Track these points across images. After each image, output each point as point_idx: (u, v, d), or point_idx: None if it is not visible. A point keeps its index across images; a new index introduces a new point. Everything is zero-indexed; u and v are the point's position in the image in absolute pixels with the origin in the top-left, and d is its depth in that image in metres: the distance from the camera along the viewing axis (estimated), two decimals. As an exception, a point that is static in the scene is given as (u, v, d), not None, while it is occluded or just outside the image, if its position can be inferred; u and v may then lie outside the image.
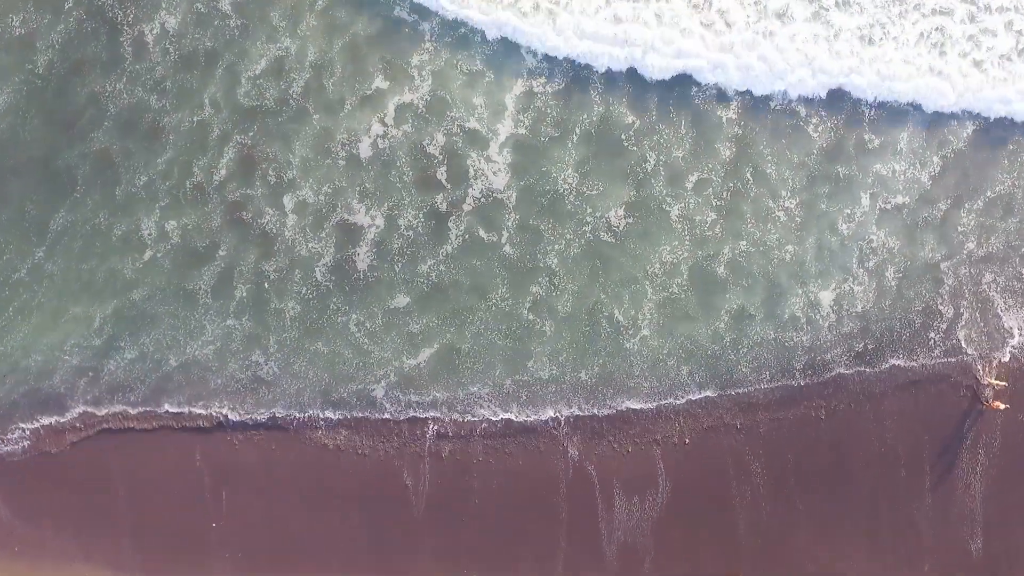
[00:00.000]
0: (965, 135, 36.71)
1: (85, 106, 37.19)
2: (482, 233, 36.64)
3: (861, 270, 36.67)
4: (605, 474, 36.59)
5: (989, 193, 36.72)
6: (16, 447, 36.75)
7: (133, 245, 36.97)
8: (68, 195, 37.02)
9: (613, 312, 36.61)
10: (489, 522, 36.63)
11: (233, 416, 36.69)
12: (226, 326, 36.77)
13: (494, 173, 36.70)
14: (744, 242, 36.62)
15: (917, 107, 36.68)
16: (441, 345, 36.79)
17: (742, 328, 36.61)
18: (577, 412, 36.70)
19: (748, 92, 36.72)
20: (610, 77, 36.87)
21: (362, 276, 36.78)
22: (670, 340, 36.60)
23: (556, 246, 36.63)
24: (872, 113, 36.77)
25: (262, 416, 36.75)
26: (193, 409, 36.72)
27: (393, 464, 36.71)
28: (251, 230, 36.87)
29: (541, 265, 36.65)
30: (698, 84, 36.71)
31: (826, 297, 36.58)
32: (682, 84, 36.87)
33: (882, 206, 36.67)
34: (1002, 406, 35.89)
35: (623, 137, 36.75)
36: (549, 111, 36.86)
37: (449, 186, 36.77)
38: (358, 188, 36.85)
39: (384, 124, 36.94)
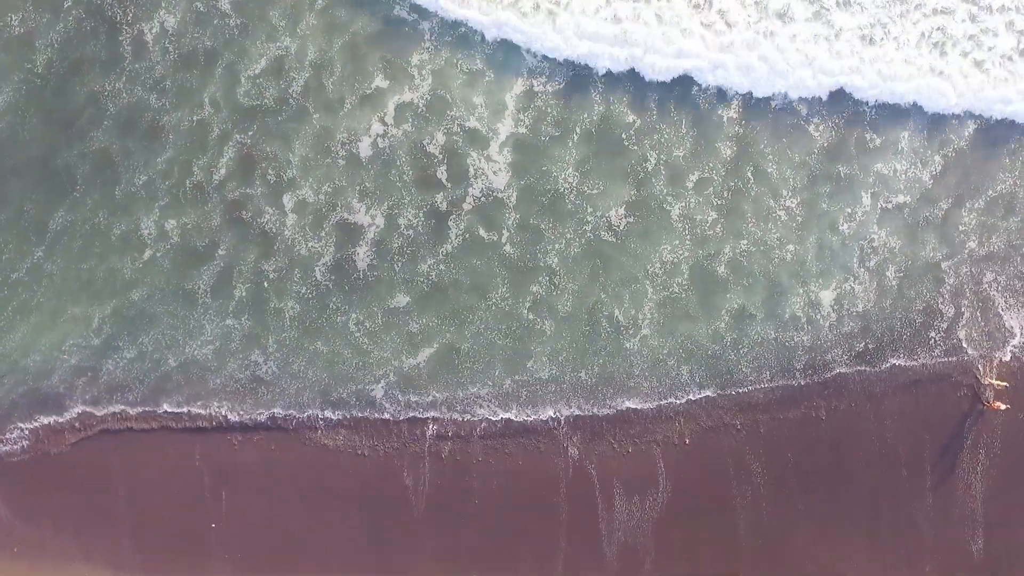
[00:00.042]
0: (966, 134, 36.74)
1: (84, 105, 37.09)
2: (482, 232, 36.59)
3: (862, 269, 36.66)
4: (605, 474, 36.55)
5: (990, 192, 36.77)
6: (15, 447, 36.66)
7: (132, 245, 36.88)
8: (67, 194, 36.91)
9: (613, 312, 36.57)
10: (489, 522, 36.58)
11: (232, 416, 36.61)
12: (225, 326, 36.70)
13: (494, 172, 36.64)
14: (745, 241, 36.61)
15: (918, 107, 36.69)
16: (441, 345, 36.73)
17: (743, 328, 36.59)
18: (577, 412, 36.67)
19: (749, 92, 36.70)
20: (611, 77, 36.83)
21: (362, 275, 36.72)
22: (670, 340, 36.57)
23: (556, 245, 36.58)
24: (873, 112, 36.78)
25: (262, 416, 36.68)
26: (192, 409, 36.64)
27: (393, 464, 36.65)
28: (251, 229, 36.80)
29: (541, 264, 36.61)
30: (699, 84, 36.68)
31: (827, 296, 36.57)
32: (683, 83, 36.85)
33: (883, 205, 36.69)
34: (1003, 406, 35.89)
35: (624, 136, 36.71)
36: (549, 110, 36.82)
37: (449, 185, 36.71)
38: (358, 187, 36.79)
39: (384, 123, 36.89)
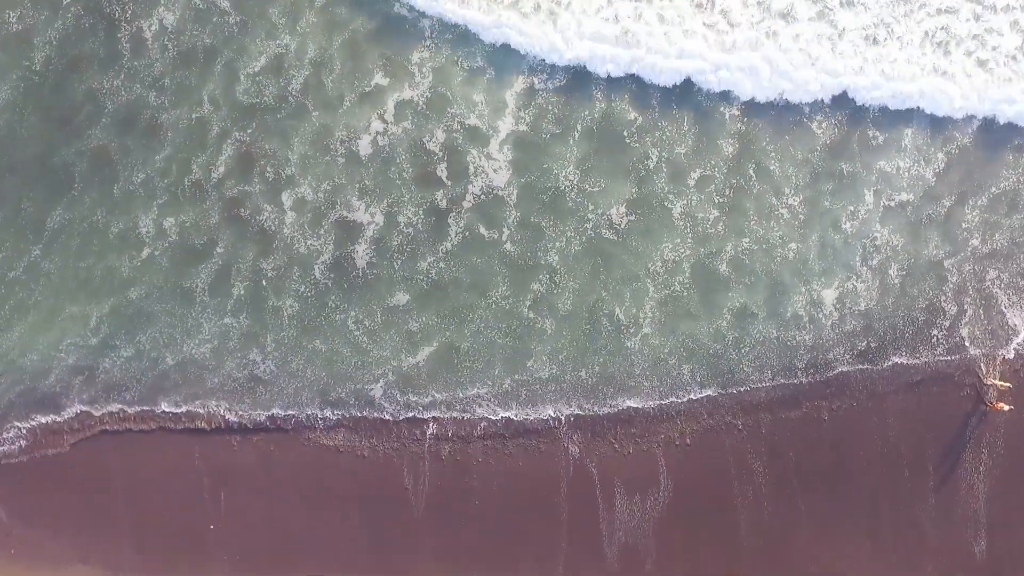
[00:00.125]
0: (969, 132, 36.75)
1: (83, 103, 36.99)
2: (482, 230, 36.48)
3: (864, 268, 36.62)
4: (606, 474, 36.46)
5: (993, 189, 36.82)
6: (13, 447, 36.51)
7: (130, 243, 36.76)
8: (65, 193, 36.79)
9: (614, 310, 36.47)
10: (489, 522, 36.47)
11: (231, 416, 36.46)
12: (223, 324, 36.57)
13: (495, 170, 36.56)
14: (747, 239, 36.56)
15: (921, 106, 36.62)
16: (441, 344, 36.61)
17: (744, 326, 36.53)
18: (577, 411, 36.59)
19: (752, 97, 36.64)
20: (612, 77, 36.75)
21: (361, 274, 36.60)
22: (672, 338, 36.49)
23: (557, 243, 36.49)
24: (876, 110, 36.74)
25: (261, 416, 36.53)
26: (191, 408, 36.49)
27: (393, 464, 36.52)
28: (249, 227, 36.69)
29: (542, 263, 36.51)
30: (702, 79, 36.65)
31: (829, 295, 36.52)
32: (685, 83, 36.76)
33: (886, 203, 36.70)
34: (1006, 407, 35.86)
35: (625, 134, 36.66)
36: (550, 108, 36.75)
37: (449, 183, 36.62)
38: (357, 185, 36.69)
39: (384, 121, 36.80)
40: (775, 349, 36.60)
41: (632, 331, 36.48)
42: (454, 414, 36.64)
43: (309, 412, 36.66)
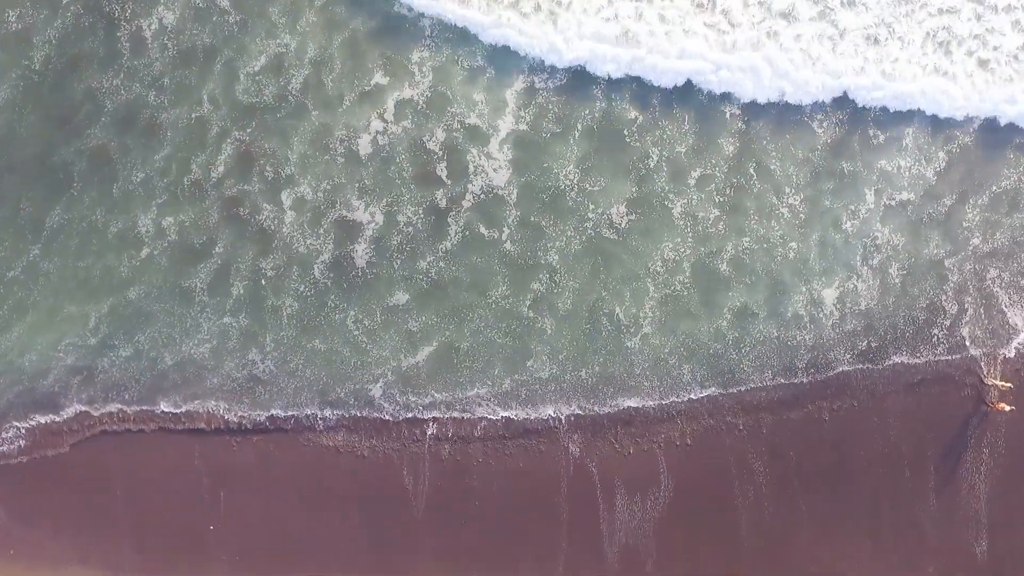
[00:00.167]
0: (971, 131, 36.73)
1: (82, 102, 36.91)
2: (482, 230, 36.43)
3: (865, 267, 36.60)
4: (606, 474, 36.41)
5: (994, 188, 36.81)
6: (12, 447, 36.44)
7: (129, 242, 36.69)
8: (64, 192, 36.72)
9: (614, 310, 36.42)
10: (489, 522, 36.43)
11: (230, 416, 36.40)
12: (222, 324, 36.50)
13: (495, 169, 36.51)
14: (747, 239, 36.52)
15: (922, 106, 36.60)
16: (440, 343, 36.55)
17: (745, 326, 36.50)
18: (578, 411, 36.55)
19: (753, 99, 36.59)
20: (612, 77, 36.73)
21: (360, 273, 36.54)
22: (672, 338, 36.44)
23: (557, 243, 36.44)
24: (877, 109, 36.70)
25: (260, 416, 36.47)
26: (190, 408, 36.42)
27: (393, 464, 36.44)
28: (249, 227, 36.62)
29: (542, 262, 36.46)
30: (702, 79, 36.59)
31: (830, 294, 36.50)
32: (686, 83, 36.71)
33: (887, 202, 36.70)
34: (1007, 408, 35.84)
35: (625, 133, 36.61)
36: (550, 107, 36.70)
37: (449, 182, 36.57)
38: (357, 184, 36.63)
39: (384, 120, 36.74)
40: (776, 349, 36.56)
41: (632, 331, 36.42)
42: (454, 414, 36.58)
43: (309, 412, 36.59)
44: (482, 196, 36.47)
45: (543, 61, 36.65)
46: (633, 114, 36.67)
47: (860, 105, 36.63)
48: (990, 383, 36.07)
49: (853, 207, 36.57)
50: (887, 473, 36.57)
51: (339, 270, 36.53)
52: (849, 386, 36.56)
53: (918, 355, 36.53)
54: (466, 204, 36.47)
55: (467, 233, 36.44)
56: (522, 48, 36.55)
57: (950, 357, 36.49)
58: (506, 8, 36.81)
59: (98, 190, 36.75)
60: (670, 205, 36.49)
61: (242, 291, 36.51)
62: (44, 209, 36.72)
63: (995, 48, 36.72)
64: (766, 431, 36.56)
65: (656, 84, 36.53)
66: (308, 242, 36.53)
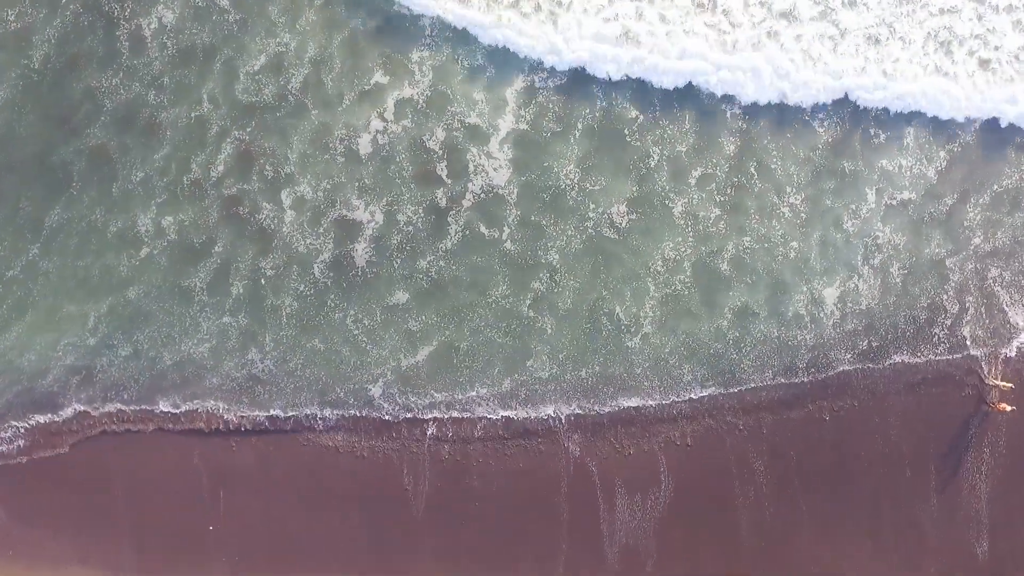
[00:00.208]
0: (972, 130, 36.68)
1: (81, 101, 36.90)
2: (483, 229, 36.39)
3: (866, 266, 36.55)
4: (606, 474, 36.39)
5: (995, 188, 36.77)
6: (11, 447, 36.43)
7: (129, 242, 36.68)
8: (64, 191, 36.71)
9: (615, 309, 36.38)
10: (489, 522, 36.39)
11: (230, 416, 36.36)
12: (222, 323, 36.47)
13: (495, 169, 36.48)
14: (748, 238, 36.49)
15: (923, 106, 36.55)
16: (440, 343, 36.51)
17: (745, 325, 36.47)
18: (578, 411, 36.53)
19: (754, 101, 36.55)
20: (613, 78, 36.71)
21: (360, 272, 36.50)
22: (672, 338, 36.41)
23: (557, 242, 36.41)
24: (878, 109, 36.65)
25: (260, 416, 36.43)
26: (190, 407, 36.39)
27: (393, 464, 36.41)
28: (248, 226, 36.60)
29: (542, 261, 36.43)
30: (703, 80, 36.55)
31: (830, 294, 36.47)
32: (686, 83, 36.73)
33: (888, 202, 36.67)
34: (1008, 408, 35.81)
35: (626, 132, 36.56)
36: (551, 106, 36.67)
37: (449, 181, 36.53)
38: (357, 183, 36.60)
39: (384, 119, 36.71)
40: (776, 348, 36.52)
41: (633, 330, 36.38)
42: (454, 414, 36.56)
43: (308, 412, 36.56)
44: (482, 195, 36.43)
45: (543, 62, 36.58)
46: (634, 113, 36.63)
47: (861, 106, 36.58)
48: (991, 384, 36.03)
49: (854, 206, 36.54)
50: (888, 473, 36.54)
51: (339, 269, 36.49)
52: (850, 386, 36.53)
53: (919, 355, 36.51)
54: (466, 203, 36.43)
55: (467, 232, 36.41)
56: (522, 49, 36.50)
57: (951, 357, 36.47)
58: (506, 8, 36.76)
59: (97, 189, 36.74)
60: (671, 204, 36.45)
61: (242, 290, 36.48)
62: (43, 208, 36.72)
63: (996, 48, 36.71)
64: (766, 431, 36.53)
65: (657, 85, 36.48)
66: (308, 241, 36.50)
